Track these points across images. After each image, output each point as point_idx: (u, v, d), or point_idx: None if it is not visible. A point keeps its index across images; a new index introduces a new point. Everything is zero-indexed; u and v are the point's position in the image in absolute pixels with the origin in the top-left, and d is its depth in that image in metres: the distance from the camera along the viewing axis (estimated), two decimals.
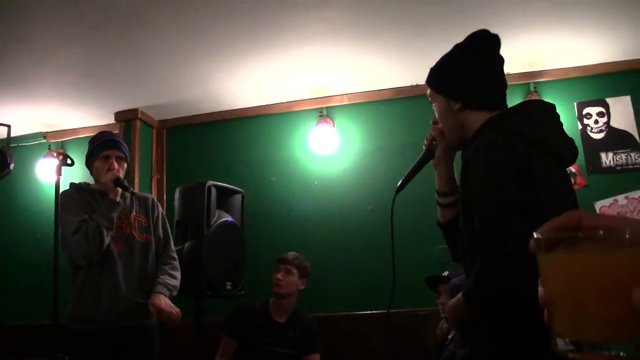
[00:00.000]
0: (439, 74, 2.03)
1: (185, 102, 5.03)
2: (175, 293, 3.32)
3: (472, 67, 1.96)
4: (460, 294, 1.73)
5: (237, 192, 4.25)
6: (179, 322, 3.24)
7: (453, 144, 2.01)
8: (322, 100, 4.97)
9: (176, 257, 3.48)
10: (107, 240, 3.10)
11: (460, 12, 3.66)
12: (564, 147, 1.84)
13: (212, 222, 3.87)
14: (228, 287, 3.88)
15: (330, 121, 4.90)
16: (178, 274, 3.39)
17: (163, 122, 5.42)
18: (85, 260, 3.11)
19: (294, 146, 5.02)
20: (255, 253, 4.43)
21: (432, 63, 2.08)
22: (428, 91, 2.05)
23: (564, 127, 1.91)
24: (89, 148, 3.38)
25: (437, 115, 2.03)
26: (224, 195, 4.14)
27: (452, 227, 1.96)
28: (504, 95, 1.98)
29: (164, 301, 3.17)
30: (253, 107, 5.12)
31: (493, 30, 2.01)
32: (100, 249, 3.08)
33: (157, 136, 5.42)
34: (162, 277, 3.29)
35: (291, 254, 4.05)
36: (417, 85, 4.68)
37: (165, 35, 3.82)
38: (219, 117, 5.24)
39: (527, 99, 4.27)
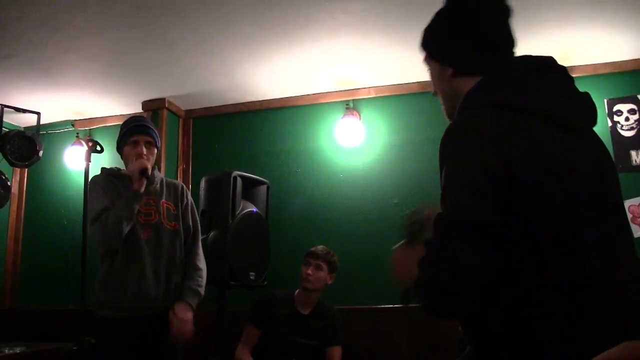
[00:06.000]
0: (429, 35, 1.73)
1: (212, 92, 5.04)
2: (203, 293, 3.31)
3: (461, 24, 1.62)
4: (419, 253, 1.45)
5: (262, 182, 4.26)
6: (185, 339, 3.19)
7: (451, 116, 1.68)
8: (348, 93, 4.95)
9: (201, 248, 3.47)
10: (125, 229, 3.08)
11: None
12: (568, 108, 1.50)
13: (237, 212, 3.87)
14: (252, 277, 3.89)
15: (357, 114, 4.89)
16: (204, 267, 3.39)
17: (190, 112, 5.44)
18: (103, 249, 3.15)
19: (320, 138, 5.01)
20: (279, 244, 4.44)
21: None
22: (423, 56, 1.74)
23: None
24: (119, 133, 3.37)
25: (432, 83, 1.74)
26: (249, 186, 4.14)
27: None
28: (506, 54, 1.61)
29: (182, 315, 3.15)
30: (279, 98, 5.13)
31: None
32: (119, 239, 3.07)
33: (184, 126, 5.45)
34: (191, 280, 3.28)
35: (321, 249, 4.05)
36: None
37: (193, 25, 3.82)
38: (245, 108, 5.25)
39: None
